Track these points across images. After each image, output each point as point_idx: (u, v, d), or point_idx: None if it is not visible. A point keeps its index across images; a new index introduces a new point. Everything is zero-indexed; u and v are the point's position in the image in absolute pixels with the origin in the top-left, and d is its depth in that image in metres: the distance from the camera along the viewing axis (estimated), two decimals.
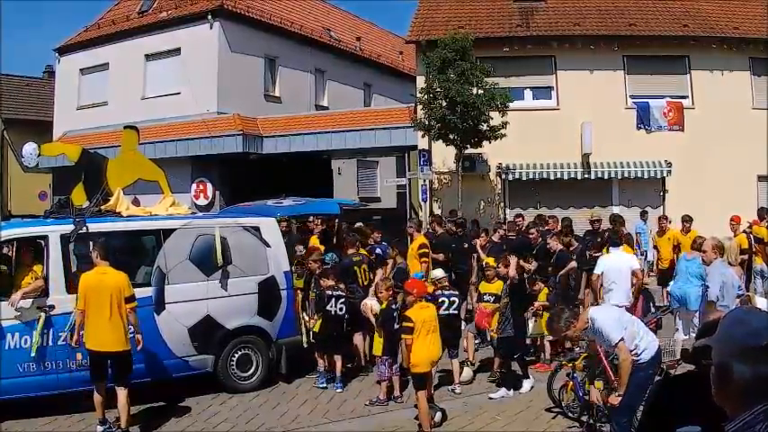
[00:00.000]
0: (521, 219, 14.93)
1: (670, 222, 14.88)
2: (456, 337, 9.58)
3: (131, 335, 7.69)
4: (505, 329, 8.96)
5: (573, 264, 11.08)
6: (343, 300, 9.71)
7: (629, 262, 10.21)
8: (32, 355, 8.01)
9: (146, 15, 27.64)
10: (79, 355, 8.02)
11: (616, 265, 9.88)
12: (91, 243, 8.21)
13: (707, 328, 2.42)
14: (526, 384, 9.03)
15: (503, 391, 8.87)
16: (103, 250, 7.71)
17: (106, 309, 7.38)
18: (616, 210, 19.80)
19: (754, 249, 13.34)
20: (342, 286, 9.85)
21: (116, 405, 7.52)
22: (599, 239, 12.68)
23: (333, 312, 9.59)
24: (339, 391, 9.38)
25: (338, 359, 9.59)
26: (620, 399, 6.30)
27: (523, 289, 9.55)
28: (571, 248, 11.76)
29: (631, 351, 6.30)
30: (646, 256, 16.66)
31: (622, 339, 6.23)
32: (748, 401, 1.84)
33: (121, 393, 7.48)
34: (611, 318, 6.47)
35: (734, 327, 1.95)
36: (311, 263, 10.59)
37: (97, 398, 7.54)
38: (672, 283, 10.84)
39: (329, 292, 9.62)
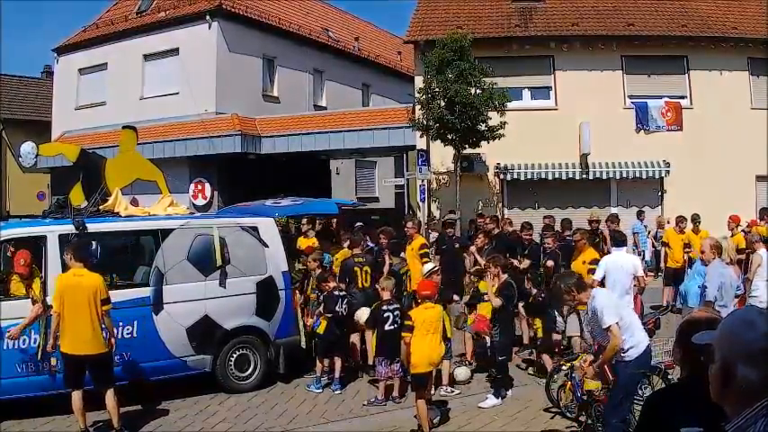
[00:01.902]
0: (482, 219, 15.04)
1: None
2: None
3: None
4: (496, 333, 8.93)
5: (549, 262, 11.08)
6: (346, 300, 9.78)
7: (632, 262, 10.16)
8: (39, 356, 7.97)
9: (144, 15, 27.64)
10: (53, 360, 7.84)
11: (618, 264, 9.85)
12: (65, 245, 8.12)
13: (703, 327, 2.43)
14: (489, 401, 8.70)
15: (491, 398, 8.72)
16: (78, 251, 7.59)
17: (84, 311, 7.23)
18: (614, 210, 19.82)
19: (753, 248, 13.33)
20: (342, 286, 9.88)
21: (104, 407, 7.45)
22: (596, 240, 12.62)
23: (340, 313, 9.63)
24: (339, 392, 9.38)
25: (338, 360, 9.58)
26: (594, 369, 6.45)
27: (512, 291, 9.35)
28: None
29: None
30: (643, 256, 16.69)
31: (616, 324, 6.22)
32: (750, 401, 1.85)
33: (108, 394, 7.38)
34: (611, 302, 6.42)
35: (741, 328, 1.95)
36: (310, 262, 10.58)
37: (77, 405, 7.31)
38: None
39: (336, 293, 9.64)
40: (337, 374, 9.52)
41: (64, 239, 8.42)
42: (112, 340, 7.60)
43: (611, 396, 6.62)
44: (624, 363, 6.33)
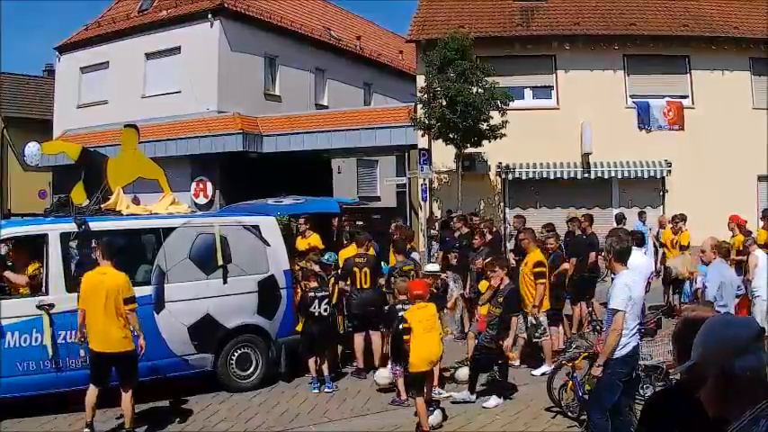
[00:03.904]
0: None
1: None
2: None
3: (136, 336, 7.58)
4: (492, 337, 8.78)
5: (565, 265, 11.02)
6: (327, 300, 9.65)
7: (647, 264, 10.01)
8: (50, 354, 8.01)
9: (146, 14, 27.64)
10: (82, 352, 7.90)
11: (633, 266, 9.72)
12: (94, 241, 8.20)
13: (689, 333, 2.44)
14: (492, 401, 8.60)
15: (494, 398, 8.64)
16: (106, 249, 7.63)
17: (105, 309, 7.29)
18: (616, 210, 19.82)
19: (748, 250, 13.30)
20: (316, 285, 9.79)
21: (119, 405, 7.49)
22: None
23: (316, 314, 9.53)
24: (328, 391, 9.36)
25: (324, 360, 9.56)
26: (600, 369, 6.28)
27: (514, 299, 9.10)
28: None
29: None
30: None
31: (623, 312, 6.18)
32: (751, 398, 1.88)
33: (126, 395, 7.39)
34: (627, 290, 6.27)
35: (721, 330, 2.02)
36: (307, 261, 10.57)
37: (90, 399, 7.35)
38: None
39: (311, 294, 9.57)
40: (326, 373, 9.52)
41: (65, 238, 8.45)
42: (141, 341, 7.59)
43: (594, 393, 6.63)
44: (610, 361, 6.31)
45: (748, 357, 1.94)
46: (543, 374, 9.40)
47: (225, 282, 9.34)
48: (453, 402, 8.52)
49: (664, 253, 14.97)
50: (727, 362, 1.96)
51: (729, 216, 13.93)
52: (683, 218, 14.60)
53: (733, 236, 13.50)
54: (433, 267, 9.81)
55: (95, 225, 8.71)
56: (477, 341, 9.03)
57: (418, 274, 10.57)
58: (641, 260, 9.82)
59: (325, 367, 9.55)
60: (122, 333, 7.38)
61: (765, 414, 1.86)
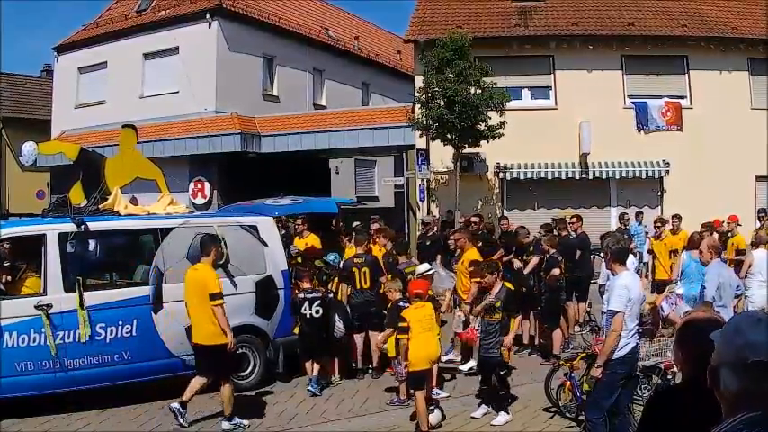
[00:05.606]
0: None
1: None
2: None
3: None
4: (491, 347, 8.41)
5: (556, 270, 10.91)
6: (318, 302, 9.59)
7: (631, 261, 10.00)
8: (53, 354, 8.05)
9: (144, 14, 27.64)
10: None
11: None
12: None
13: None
14: (501, 417, 8.08)
15: (483, 408, 8.35)
16: (204, 246, 7.93)
17: (197, 303, 7.72)
18: (614, 210, 19.85)
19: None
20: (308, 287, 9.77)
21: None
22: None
23: (308, 315, 9.51)
24: (310, 390, 9.27)
25: (316, 363, 9.52)
26: (600, 369, 6.27)
27: (512, 299, 8.91)
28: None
29: None
30: (641, 258, 16.53)
31: (622, 313, 6.17)
32: (732, 409, 1.86)
33: (224, 387, 7.83)
34: (626, 291, 6.24)
35: (732, 334, 1.94)
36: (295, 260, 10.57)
37: (192, 385, 7.89)
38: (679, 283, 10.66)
39: (302, 296, 9.56)
40: (314, 373, 9.48)
41: (63, 238, 8.43)
42: (229, 336, 7.75)
43: (593, 393, 6.62)
44: (610, 361, 6.31)
45: (733, 378, 1.87)
46: (471, 369, 9.55)
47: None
48: (473, 417, 8.24)
49: (654, 265, 14.45)
50: (718, 366, 1.92)
51: (728, 216, 13.95)
52: (663, 222, 14.24)
53: (732, 236, 13.53)
54: (426, 268, 9.75)
55: (94, 225, 8.70)
56: (480, 355, 8.69)
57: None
58: None
59: (316, 367, 9.51)
60: (213, 327, 7.66)
61: (740, 427, 1.81)
